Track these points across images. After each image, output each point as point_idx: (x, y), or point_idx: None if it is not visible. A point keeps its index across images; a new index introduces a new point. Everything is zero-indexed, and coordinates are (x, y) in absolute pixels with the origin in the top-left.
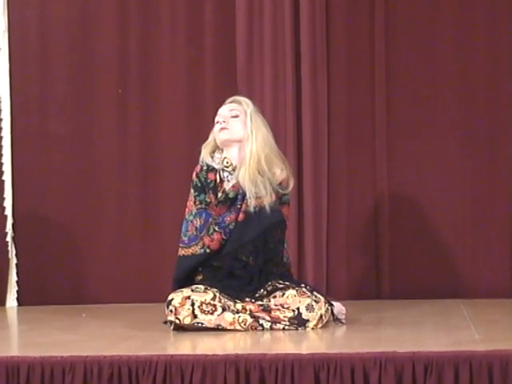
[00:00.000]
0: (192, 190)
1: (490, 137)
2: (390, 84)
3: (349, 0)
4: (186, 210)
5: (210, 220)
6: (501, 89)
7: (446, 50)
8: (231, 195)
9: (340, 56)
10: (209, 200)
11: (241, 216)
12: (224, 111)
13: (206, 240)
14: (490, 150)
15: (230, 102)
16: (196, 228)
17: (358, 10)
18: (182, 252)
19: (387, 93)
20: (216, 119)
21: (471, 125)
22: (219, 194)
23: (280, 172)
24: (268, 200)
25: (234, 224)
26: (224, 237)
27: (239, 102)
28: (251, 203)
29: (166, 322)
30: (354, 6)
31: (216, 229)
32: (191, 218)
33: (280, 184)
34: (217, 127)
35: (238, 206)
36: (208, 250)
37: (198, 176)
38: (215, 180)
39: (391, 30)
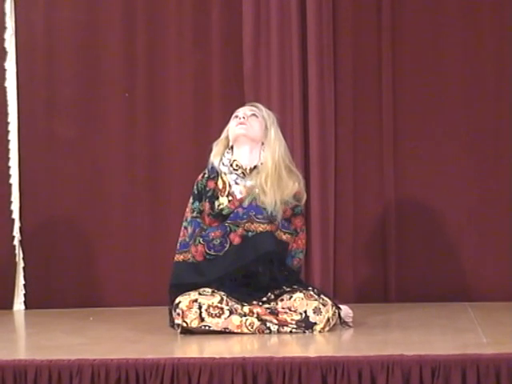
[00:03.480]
0: (190, 197)
1: (497, 143)
2: (396, 89)
3: (355, 5)
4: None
5: (197, 230)
6: (508, 91)
7: (453, 54)
8: (226, 212)
9: (347, 61)
10: (202, 208)
11: (237, 239)
12: (244, 109)
13: (193, 249)
14: (496, 155)
15: (251, 106)
16: (187, 236)
17: (365, 15)
18: (175, 257)
19: (394, 98)
20: (234, 115)
21: (478, 130)
22: (223, 199)
23: (293, 184)
24: (274, 226)
25: (218, 240)
26: (207, 250)
27: (260, 109)
28: (267, 202)
29: (173, 325)
30: (361, 11)
31: (201, 241)
32: (185, 224)
33: (295, 195)
34: (234, 122)
35: (226, 224)
36: (193, 260)
37: (197, 184)
38: (214, 188)
39: (398, 34)
